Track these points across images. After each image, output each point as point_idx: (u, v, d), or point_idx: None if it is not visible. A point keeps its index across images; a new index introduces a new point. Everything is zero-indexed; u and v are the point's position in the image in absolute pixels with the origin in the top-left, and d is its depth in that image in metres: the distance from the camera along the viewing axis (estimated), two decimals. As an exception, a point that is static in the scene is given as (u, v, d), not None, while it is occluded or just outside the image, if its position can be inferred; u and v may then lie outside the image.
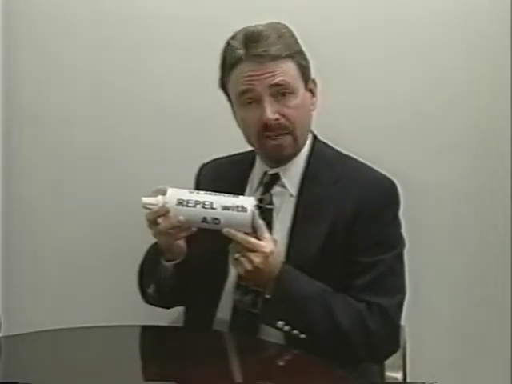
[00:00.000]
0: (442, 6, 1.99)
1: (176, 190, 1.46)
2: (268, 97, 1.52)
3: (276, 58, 1.51)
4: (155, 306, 1.69)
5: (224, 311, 1.58)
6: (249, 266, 1.42)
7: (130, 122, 2.12)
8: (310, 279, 1.49)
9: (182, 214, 1.43)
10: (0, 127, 2.12)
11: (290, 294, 1.47)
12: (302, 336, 1.47)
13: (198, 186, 1.71)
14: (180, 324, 1.72)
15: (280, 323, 1.47)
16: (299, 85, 1.56)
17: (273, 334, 1.50)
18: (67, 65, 2.11)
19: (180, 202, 1.43)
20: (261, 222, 1.45)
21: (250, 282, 1.51)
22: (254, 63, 1.52)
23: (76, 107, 2.12)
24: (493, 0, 1.98)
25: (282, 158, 1.60)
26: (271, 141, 1.55)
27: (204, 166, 1.76)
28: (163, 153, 2.09)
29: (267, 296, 1.48)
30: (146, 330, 1.63)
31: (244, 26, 1.55)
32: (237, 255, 1.44)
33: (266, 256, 1.42)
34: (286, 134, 1.55)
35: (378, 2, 2.01)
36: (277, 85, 1.52)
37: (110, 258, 2.13)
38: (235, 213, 1.41)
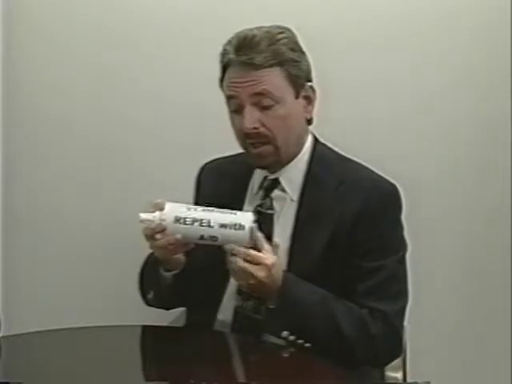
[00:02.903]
0: (443, 7, 2.00)
1: (174, 205, 1.44)
2: (249, 105, 1.50)
3: (260, 66, 1.48)
4: (156, 308, 1.69)
5: (225, 314, 1.58)
6: (252, 281, 1.41)
7: (131, 122, 2.11)
8: (312, 287, 1.48)
9: (179, 232, 1.42)
10: (0, 127, 2.12)
11: (293, 303, 1.46)
12: (307, 345, 1.46)
13: (200, 186, 1.72)
14: (180, 324, 1.72)
15: (285, 333, 1.46)
16: (287, 94, 1.52)
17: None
18: (67, 65, 2.11)
19: (177, 220, 1.42)
20: (260, 235, 1.43)
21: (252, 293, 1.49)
22: (239, 70, 1.50)
23: (76, 107, 2.12)
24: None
25: (263, 166, 1.58)
26: (253, 149, 1.54)
27: (206, 165, 1.74)
28: (164, 152, 2.09)
29: (270, 306, 1.47)
30: (146, 329, 1.62)
31: (246, 26, 1.54)
32: (240, 263, 1.41)
33: (269, 269, 1.41)
34: (267, 143, 1.52)
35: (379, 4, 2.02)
36: (259, 93, 1.49)
37: (110, 258, 2.13)
38: (233, 231, 1.40)
